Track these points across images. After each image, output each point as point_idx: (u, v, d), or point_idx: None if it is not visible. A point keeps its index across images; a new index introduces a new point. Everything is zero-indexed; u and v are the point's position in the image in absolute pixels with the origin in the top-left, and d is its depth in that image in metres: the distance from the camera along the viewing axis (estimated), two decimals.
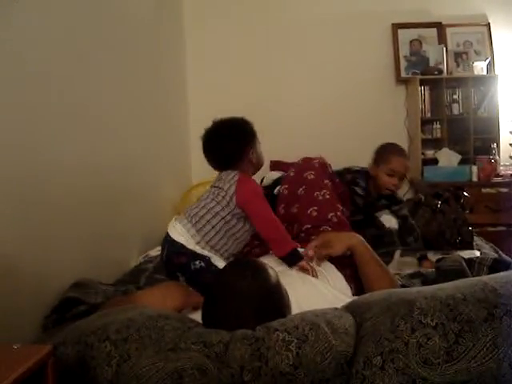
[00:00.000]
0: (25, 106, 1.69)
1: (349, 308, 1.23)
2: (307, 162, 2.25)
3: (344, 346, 1.05)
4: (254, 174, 1.90)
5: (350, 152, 3.10)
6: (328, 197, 2.05)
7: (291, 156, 3.66)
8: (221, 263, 1.70)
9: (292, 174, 2.25)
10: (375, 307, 1.16)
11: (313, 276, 1.67)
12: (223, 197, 1.77)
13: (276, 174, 3.56)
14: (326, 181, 2.13)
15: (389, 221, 3.08)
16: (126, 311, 1.21)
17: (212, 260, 1.70)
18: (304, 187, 2.13)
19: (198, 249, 1.72)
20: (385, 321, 1.10)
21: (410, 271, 2.15)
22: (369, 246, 1.84)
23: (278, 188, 3.40)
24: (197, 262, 1.70)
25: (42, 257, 1.78)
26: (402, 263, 2.36)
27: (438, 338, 1.02)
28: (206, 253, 1.72)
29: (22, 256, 1.67)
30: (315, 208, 2.04)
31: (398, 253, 2.39)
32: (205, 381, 1.00)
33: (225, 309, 1.17)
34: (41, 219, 1.78)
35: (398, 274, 2.08)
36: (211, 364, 1.02)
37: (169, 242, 1.74)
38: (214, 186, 1.82)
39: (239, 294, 1.16)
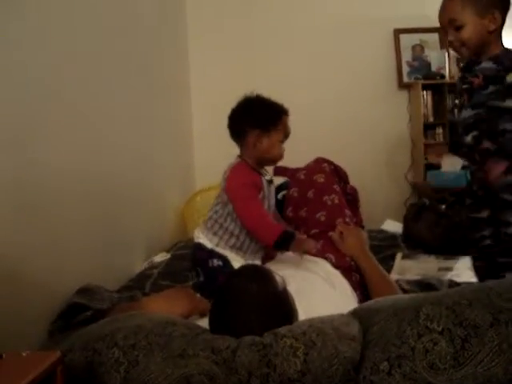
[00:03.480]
0: (25, 109, 1.69)
1: (355, 314, 1.23)
2: (318, 164, 2.24)
3: (351, 352, 1.06)
4: (263, 165, 1.84)
5: (352, 157, 3.11)
6: (337, 202, 2.06)
7: (292, 161, 3.68)
8: (237, 263, 1.72)
9: (302, 176, 2.25)
10: (381, 313, 1.16)
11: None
12: (221, 195, 1.80)
13: (279, 179, 3.58)
14: (336, 185, 2.13)
15: (392, 225, 3.10)
16: (134, 318, 1.22)
17: (229, 259, 1.72)
18: (313, 190, 2.13)
19: (216, 248, 1.76)
20: (391, 326, 1.10)
21: (412, 277, 2.14)
22: (373, 261, 1.91)
23: (281, 193, 3.42)
24: (215, 260, 1.75)
25: (47, 263, 1.79)
26: (404, 267, 2.36)
27: (444, 343, 1.02)
28: (224, 252, 1.75)
29: (27, 262, 1.67)
30: (324, 213, 2.04)
31: (399, 256, 2.39)
32: None
33: (232, 315, 1.17)
34: (45, 226, 1.78)
35: (398, 279, 2.08)
36: (219, 370, 1.02)
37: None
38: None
39: (246, 301, 1.17)
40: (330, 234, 1.96)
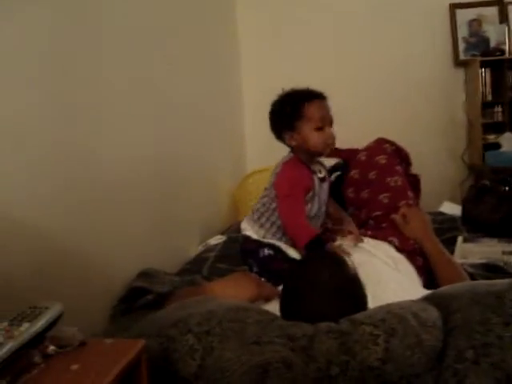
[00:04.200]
0: (81, 87, 1.68)
1: (430, 300, 1.19)
2: (380, 145, 2.18)
3: (434, 339, 1.01)
4: (314, 157, 1.75)
5: (407, 137, 3.02)
6: (400, 184, 1.99)
7: (346, 142, 3.62)
8: (291, 251, 1.69)
9: (363, 157, 2.18)
10: (461, 299, 1.11)
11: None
12: (270, 189, 1.76)
13: (331, 161, 3.52)
14: (398, 167, 2.06)
15: (450, 207, 3.02)
16: (204, 303, 1.20)
17: (281, 248, 1.70)
18: (376, 172, 2.07)
19: (264, 240, 1.73)
20: (474, 313, 1.06)
21: (476, 261, 2.08)
22: (438, 244, 1.86)
23: (334, 175, 3.37)
24: (265, 250, 1.73)
25: (108, 248, 1.80)
26: (466, 250, 2.29)
27: None
28: (273, 242, 1.72)
29: (88, 248, 1.69)
30: (387, 195, 1.98)
31: (460, 239, 2.32)
32: (291, 375, 0.98)
33: (305, 301, 1.15)
34: (105, 212, 1.79)
35: (462, 263, 2.02)
36: (297, 358, 1.00)
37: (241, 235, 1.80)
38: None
39: (321, 287, 1.14)
40: (393, 216, 1.90)
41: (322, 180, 1.78)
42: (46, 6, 1.51)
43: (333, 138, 1.70)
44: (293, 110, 1.68)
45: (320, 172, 1.78)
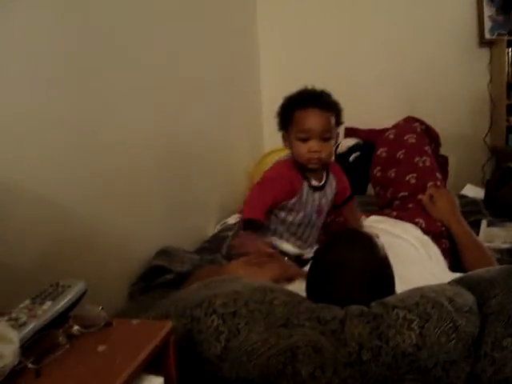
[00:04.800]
0: (97, 68, 1.66)
1: (464, 284, 1.14)
2: (409, 124, 2.12)
3: (470, 325, 0.97)
4: (306, 167, 1.58)
5: (428, 118, 2.97)
6: (428, 164, 1.94)
7: (365, 122, 3.56)
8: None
9: (392, 136, 2.12)
10: (498, 285, 1.07)
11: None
12: None
13: (351, 141, 3.47)
14: (427, 147, 2.01)
15: (473, 190, 2.96)
16: (228, 282, 1.17)
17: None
18: (404, 151, 2.01)
19: None
20: (511, 300, 1.01)
21: (501, 245, 2.03)
22: (466, 227, 1.81)
23: (353, 155, 3.33)
24: None
25: (126, 228, 1.79)
26: (491, 234, 2.25)
27: None
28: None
29: (108, 228, 1.68)
30: (414, 175, 1.93)
31: (484, 223, 2.27)
32: (320, 359, 0.94)
33: (335, 283, 1.10)
34: (124, 190, 1.78)
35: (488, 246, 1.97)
36: (327, 342, 0.96)
37: None
38: None
39: (350, 268, 1.09)
40: (420, 196, 1.86)
41: (317, 189, 1.64)
42: None
43: (316, 152, 1.53)
44: (286, 113, 1.58)
45: (318, 180, 1.63)
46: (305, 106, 1.53)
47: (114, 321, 0.84)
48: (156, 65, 2.06)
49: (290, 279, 1.42)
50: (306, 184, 1.60)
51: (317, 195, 1.63)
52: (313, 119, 1.52)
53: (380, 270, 1.14)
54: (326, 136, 1.53)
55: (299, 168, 1.60)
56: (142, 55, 1.94)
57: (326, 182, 1.65)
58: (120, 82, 1.78)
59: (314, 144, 1.53)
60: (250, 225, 1.53)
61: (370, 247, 1.14)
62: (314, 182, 1.62)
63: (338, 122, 1.60)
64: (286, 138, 1.60)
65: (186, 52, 2.40)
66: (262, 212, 1.54)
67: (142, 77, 1.93)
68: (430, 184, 1.88)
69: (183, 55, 2.36)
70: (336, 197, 1.71)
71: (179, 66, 2.31)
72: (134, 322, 0.84)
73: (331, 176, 1.68)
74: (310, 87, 1.58)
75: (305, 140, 1.53)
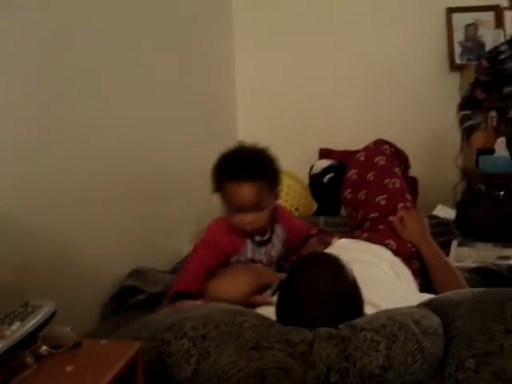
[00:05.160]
0: (60, 82, 1.63)
1: (431, 306, 1.17)
2: (379, 147, 2.16)
3: (435, 347, 1.00)
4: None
5: (400, 140, 3.01)
6: (398, 186, 1.97)
7: (339, 144, 3.60)
8: None
9: (362, 158, 2.15)
10: (462, 307, 1.10)
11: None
12: None
13: (325, 163, 3.51)
14: (397, 169, 2.05)
15: (444, 211, 3.02)
16: (200, 306, 1.18)
17: None
18: (374, 173, 2.03)
19: None
20: (475, 321, 1.04)
21: (474, 264, 2.07)
22: (436, 247, 1.83)
23: (327, 176, 3.36)
24: None
25: (100, 245, 1.78)
26: (461, 254, 2.29)
27: None
28: None
29: (80, 246, 1.67)
30: (384, 196, 1.96)
31: (454, 243, 2.31)
32: (289, 381, 0.95)
33: (303, 306, 1.12)
34: (97, 209, 1.77)
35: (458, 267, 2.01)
36: (296, 364, 0.97)
37: None
38: None
39: (318, 291, 1.11)
40: (391, 218, 1.89)
41: (262, 243, 1.61)
42: None
43: (248, 224, 1.50)
44: (217, 181, 1.54)
45: (261, 235, 1.59)
46: (234, 178, 1.46)
47: (83, 341, 0.84)
48: (127, 82, 2.05)
49: (267, 287, 1.43)
50: (248, 241, 1.57)
51: (263, 249, 1.62)
52: (242, 194, 1.45)
53: (348, 292, 1.15)
54: (259, 207, 1.48)
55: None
56: (114, 73, 1.94)
57: (271, 234, 1.62)
58: (90, 100, 1.77)
59: (244, 217, 1.48)
60: (180, 297, 1.46)
61: (337, 270, 1.16)
62: (258, 238, 1.58)
63: (274, 186, 1.55)
64: (222, 201, 1.55)
65: (159, 70, 2.41)
66: (195, 283, 1.48)
67: (113, 94, 1.92)
68: (400, 205, 1.92)
69: (156, 73, 2.37)
70: (289, 242, 1.70)
71: (152, 83, 2.31)
72: (103, 342, 0.84)
73: (277, 227, 1.65)
74: (244, 147, 1.55)
75: (236, 211, 1.49)
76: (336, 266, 1.18)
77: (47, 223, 1.51)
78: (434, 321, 1.06)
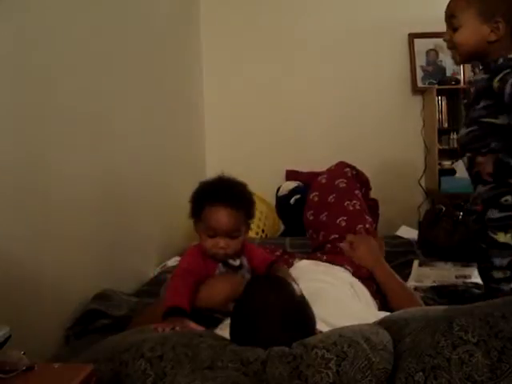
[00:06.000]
0: (31, 108, 1.63)
1: (383, 324, 1.20)
2: (340, 169, 2.21)
3: (384, 362, 1.03)
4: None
5: (365, 162, 3.08)
6: (358, 208, 2.02)
7: (306, 165, 3.66)
8: None
9: (324, 180, 2.20)
10: (412, 324, 1.13)
11: None
12: None
13: (292, 184, 3.56)
14: (357, 191, 2.10)
15: (407, 231, 3.08)
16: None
17: None
18: (335, 195, 2.09)
19: None
20: (424, 337, 1.07)
21: (431, 284, 2.12)
22: (388, 270, 1.87)
23: (294, 198, 3.41)
24: None
25: (61, 269, 1.76)
26: (421, 274, 2.34)
27: (480, 355, 1.00)
28: None
29: (42, 269, 1.66)
30: (344, 218, 2.01)
31: (416, 263, 2.36)
32: None
33: (256, 326, 1.14)
34: (59, 232, 1.75)
35: (416, 287, 2.05)
36: (249, 382, 1.00)
37: None
38: None
39: (269, 311, 1.13)
40: (341, 244, 1.93)
41: (237, 268, 1.61)
42: None
43: (222, 248, 1.52)
44: (196, 205, 1.57)
45: (234, 260, 1.60)
46: (214, 203, 1.51)
47: (36, 365, 0.85)
48: (92, 103, 2.04)
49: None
50: (220, 265, 1.58)
51: (239, 274, 1.62)
52: (221, 219, 1.50)
53: (298, 310, 1.18)
54: (234, 234, 1.52)
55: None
56: (79, 97, 1.93)
57: (241, 261, 1.63)
58: (54, 120, 1.76)
59: (220, 241, 1.51)
60: (173, 313, 1.42)
61: (285, 289, 1.20)
62: (232, 262, 1.59)
63: (249, 216, 1.60)
64: (196, 227, 1.58)
65: (128, 90, 2.43)
66: (186, 301, 1.46)
67: (78, 115, 1.91)
68: (359, 227, 1.96)
69: (127, 95, 2.39)
70: (256, 270, 1.69)
71: (120, 105, 2.32)
72: (56, 365, 0.86)
73: (243, 258, 1.65)
74: (225, 177, 1.58)
75: (212, 236, 1.52)
76: (284, 286, 1.21)
77: (6, 244, 1.48)
78: (384, 337, 1.10)
